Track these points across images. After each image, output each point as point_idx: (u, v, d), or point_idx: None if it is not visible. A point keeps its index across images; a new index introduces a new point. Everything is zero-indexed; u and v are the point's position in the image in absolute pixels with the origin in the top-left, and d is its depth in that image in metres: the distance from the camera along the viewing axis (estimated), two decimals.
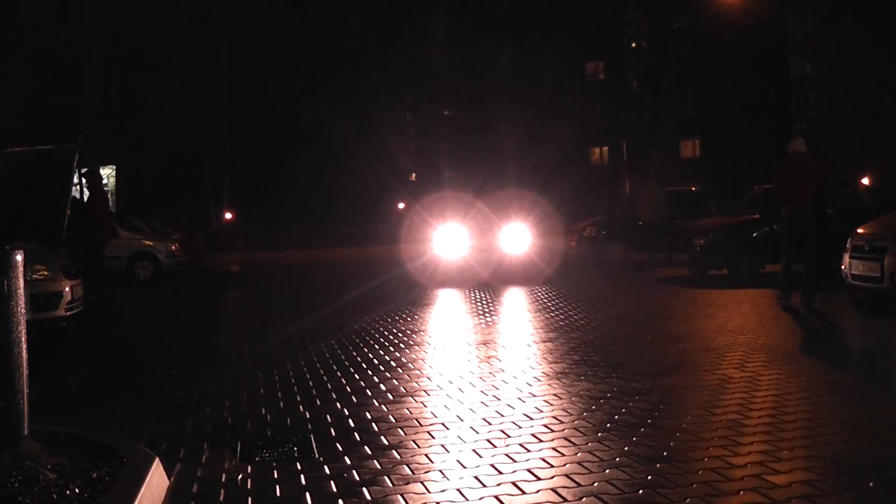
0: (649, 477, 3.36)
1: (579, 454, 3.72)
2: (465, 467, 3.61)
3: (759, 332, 7.24)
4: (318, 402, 5.00)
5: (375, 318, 9.19)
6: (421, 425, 4.37)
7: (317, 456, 3.86)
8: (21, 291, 3.54)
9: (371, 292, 12.60)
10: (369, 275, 16.51)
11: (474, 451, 3.85)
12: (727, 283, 11.95)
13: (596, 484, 3.31)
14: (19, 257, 3.54)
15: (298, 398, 5.15)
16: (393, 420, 4.50)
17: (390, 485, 3.42)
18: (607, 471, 3.46)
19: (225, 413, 4.82)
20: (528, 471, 3.52)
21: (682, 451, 3.70)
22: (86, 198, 11.28)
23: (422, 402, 4.90)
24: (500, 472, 3.51)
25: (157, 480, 3.41)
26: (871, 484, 3.19)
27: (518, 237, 13.25)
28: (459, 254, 13.05)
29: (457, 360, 6.34)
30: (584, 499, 3.15)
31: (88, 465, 3.39)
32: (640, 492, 3.19)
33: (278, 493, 3.38)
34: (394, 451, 3.89)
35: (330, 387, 5.46)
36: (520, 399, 4.88)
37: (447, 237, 13.08)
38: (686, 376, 5.36)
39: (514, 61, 38.51)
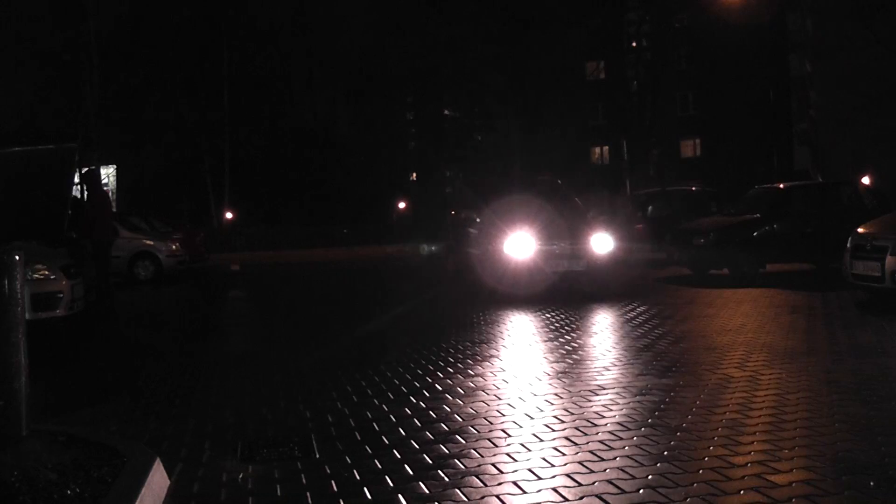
0: (650, 476, 3.36)
1: (580, 454, 3.72)
2: (465, 466, 3.61)
3: (759, 331, 7.24)
4: (319, 402, 5.00)
5: (373, 321, 9.18)
6: (421, 425, 4.36)
7: (317, 456, 3.86)
8: (21, 291, 3.54)
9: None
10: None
11: (475, 450, 3.85)
12: (727, 282, 11.95)
13: (597, 483, 3.30)
14: (19, 257, 3.53)
15: (299, 398, 5.15)
16: (393, 420, 4.50)
17: (391, 484, 3.41)
18: (608, 470, 3.46)
19: (226, 413, 4.81)
20: (530, 470, 3.51)
21: (682, 450, 3.70)
22: (89, 197, 11.20)
23: (421, 402, 4.90)
24: (501, 472, 3.51)
25: (157, 480, 3.40)
26: (871, 484, 3.18)
27: (600, 243, 10.75)
28: (527, 259, 10.45)
29: (456, 360, 6.34)
30: (584, 498, 3.15)
31: (88, 465, 3.39)
32: (641, 491, 3.19)
33: (279, 493, 3.38)
34: (394, 451, 3.89)
35: (331, 386, 5.46)
36: (521, 398, 4.88)
37: (515, 242, 10.53)
38: (687, 376, 5.36)
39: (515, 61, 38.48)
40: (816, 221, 12.62)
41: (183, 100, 38.68)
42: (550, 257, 10.52)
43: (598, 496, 3.16)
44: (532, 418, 4.39)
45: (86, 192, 11.69)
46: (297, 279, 17.77)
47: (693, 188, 22.03)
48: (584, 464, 3.56)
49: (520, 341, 7.19)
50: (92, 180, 11.21)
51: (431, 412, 4.63)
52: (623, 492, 3.20)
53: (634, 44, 35.49)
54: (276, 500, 3.32)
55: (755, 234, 12.61)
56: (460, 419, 4.45)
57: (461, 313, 9.32)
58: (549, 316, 8.77)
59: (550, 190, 12.72)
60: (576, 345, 6.83)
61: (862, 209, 12.56)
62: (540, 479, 3.40)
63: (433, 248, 27.47)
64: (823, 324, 7.65)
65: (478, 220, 11.95)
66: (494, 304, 10.04)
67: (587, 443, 3.88)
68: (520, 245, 10.50)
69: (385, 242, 35.50)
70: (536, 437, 4.03)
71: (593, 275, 10.77)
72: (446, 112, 59.61)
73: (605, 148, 48.82)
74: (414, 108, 59.75)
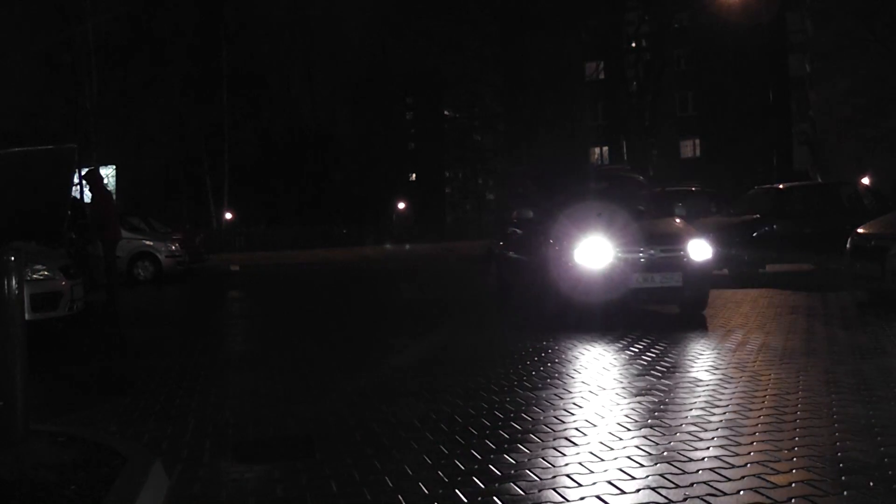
0: (650, 476, 3.36)
1: (579, 454, 3.72)
2: (463, 467, 3.61)
3: (759, 331, 7.24)
4: (319, 403, 5.00)
5: (371, 320, 9.16)
6: (420, 426, 4.36)
7: (317, 456, 3.86)
8: (21, 291, 3.54)
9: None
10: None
11: (473, 451, 3.85)
12: (727, 282, 11.95)
13: (596, 483, 3.30)
14: (18, 258, 3.53)
15: (299, 398, 5.15)
16: (393, 421, 4.50)
17: (390, 484, 3.41)
18: (607, 470, 3.46)
19: (226, 413, 4.81)
20: (529, 470, 3.51)
21: (681, 450, 3.70)
22: (92, 198, 11.20)
23: (421, 403, 4.90)
24: (501, 472, 3.51)
25: (157, 480, 3.40)
26: (871, 484, 3.18)
27: (697, 250, 8.28)
28: (602, 270, 8.02)
29: (455, 360, 6.33)
30: (584, 498, 3.15)
31: (88, 465, 3.39)
32: (640, 492, 3.19)
33: (278, 493, 3.38)
34: (394, 451, 3.89)
35: (331, 387, 5.46)
36: (519, 399, 4.88)
37: (587, 249, 8.09)
38: (686, 376, 5.36)
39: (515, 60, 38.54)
40: (816, 221, 12.62)
41: (182, 100, 38.68)
42: (634, 269, 8.03)
43: (598, 496, 3.16)
44: (531, 419, 4.39)
45: (87, 192, 11.70)
46: (297, 279, 17.77)
47: (693, 188, 22.03)
48: (584, 464, 3.56)
49: (517, 342, 7.18)
50: (93, 180, 11.19)
51: (431, 413, 4.63)
52: (623, 492, 3.20)
53: (634, 44, 35.50)
54: (276, 500, 3.32)
55: (755, 234, 12.61)
56: (459, 420, 4.45)
57: (464, 312, 9.29)
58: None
59: (627, 184, 10.12)
60: (573, 345, 6.83)
61: (862, 209, 12.57)
62: (540, 479, 3.40)
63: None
64: (823, 324, 7.65)
65: (531, 219, 9.49)
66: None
67: (587, 443, 3.88)
68: (593, 252, 8.05)
69: (385, 242, 35.76)
70: (536, 437, 4.03)
71: (692, 291, 8.28)
72: (446, 112, 59.65)
73: (605, 148, 48.86)
74: (414, 109, 59.80)
